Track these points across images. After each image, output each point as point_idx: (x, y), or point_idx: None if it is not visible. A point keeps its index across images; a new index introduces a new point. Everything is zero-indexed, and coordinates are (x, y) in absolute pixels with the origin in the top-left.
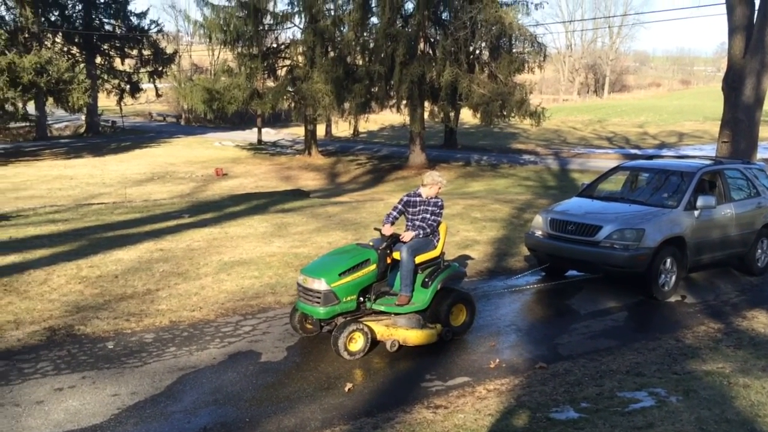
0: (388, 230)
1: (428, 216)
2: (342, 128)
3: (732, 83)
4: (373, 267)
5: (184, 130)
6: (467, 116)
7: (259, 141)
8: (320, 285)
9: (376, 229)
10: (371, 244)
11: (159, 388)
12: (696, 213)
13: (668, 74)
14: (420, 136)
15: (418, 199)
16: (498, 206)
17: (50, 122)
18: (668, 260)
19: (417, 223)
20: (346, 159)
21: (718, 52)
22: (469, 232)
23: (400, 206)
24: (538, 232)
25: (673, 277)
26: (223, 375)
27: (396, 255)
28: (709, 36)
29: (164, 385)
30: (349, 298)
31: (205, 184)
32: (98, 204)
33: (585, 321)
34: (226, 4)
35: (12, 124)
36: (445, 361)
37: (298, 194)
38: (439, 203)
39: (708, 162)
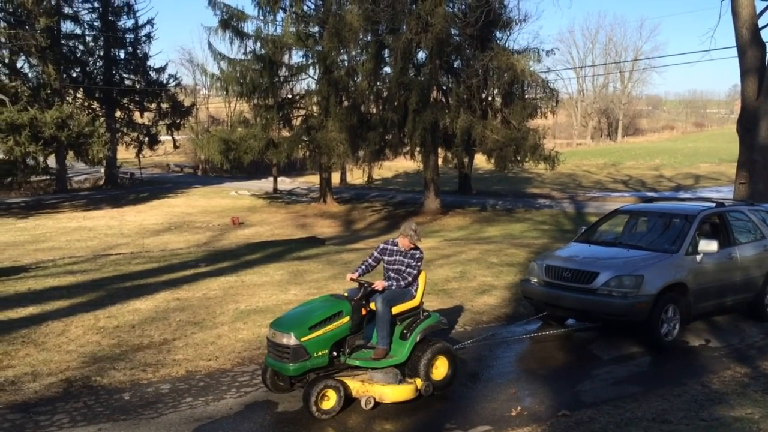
0: (349, 276)
1: (403, 268)
2: (356, 176)
3: (747, 125)
4: (346, 319)
5: (201, 180)
6: (481, 162)
7: (275, 190)
8: (289, 340)
9: (353, 280)
10: (346, 294)
11: None
12: (698, 257)
13: (681, 117)
14: (434, 182)
15: (394, 248)
16: (515, 251)
17: (70, 175)
18: (670, 308)
19: (392, 274)
20: (361, 206)
21: (730, 94)
22: (486, 277)
23: (376, 254)
24: (534, 280)
25: (676, 326)
26: (239, 426)
27: (373, 306)
28: (721, 79)
29: None
30: (320, 353)
31: (221, 233)
32: (116, 255)
33: (608, 367)
34: (243, 57)
35: (33, 178)
36: (465, 408)
37: (314, 242)
38: (417, 255)
39: (710, 204)
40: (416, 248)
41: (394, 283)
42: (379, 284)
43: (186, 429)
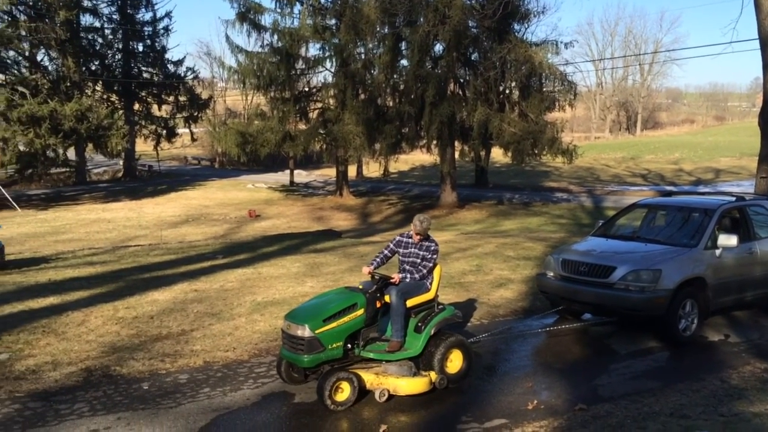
0: (366, 270)
1: (419, 261)
2: (373, 169)
3: None
4: (360, 312)
5: (218, 173)
6: (498, 155)
7: (292, 182)
8: (304, 331)
9: (371, 273)
10: (360, 287)
11: (193, 430)
12: (717, 252)
13: (702, 110)
14: (450, 175)
15: (409, 240)
16: (531, 244)
17: (89, 167)
18: (688, 303)
19: (407, 267)
20: (378, 199)
21: (752, 87)
22: (502, 270)
23: (392, 245)
24: (550, 274)
25: (695, 321)
26: (256, 416)
27: (387, 298)
28: (742, 71)
29: (198, 426)
30: (334, 345)
31: (238, 225)
32: (135, 246)
33: (625, 361)
34: (260, 50)
35: (53, 170)
36: (482, 402)
37: (330, 234)
38: (432, 248)
39: (730, 198)
40: (430, 240)
41: (408, 276)
42: (398, 277)
43: (204, 419)
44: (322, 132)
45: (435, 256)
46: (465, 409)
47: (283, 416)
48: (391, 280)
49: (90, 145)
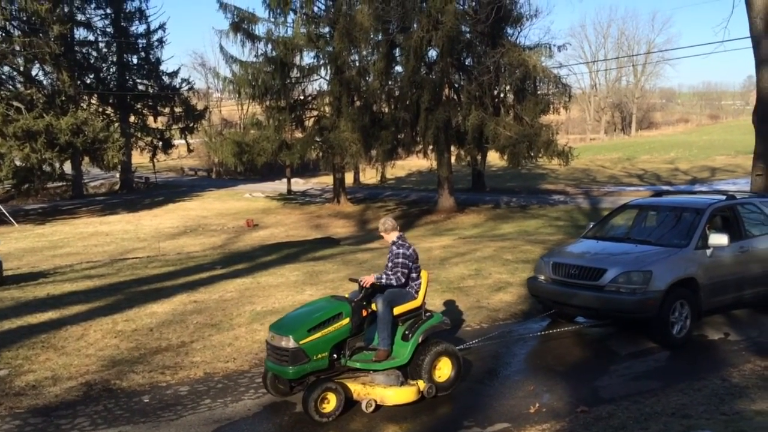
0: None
1: (390, 265)
2: (370, 175)
3: (763, 116)
4: (346, 321)
5: (215, 183)
6: (494, 158)
7: (289, 191)
8: (288, 342)
9: (351, 279)
10: (347, 296)
11: None
12: (708, 252)
13: (696, 110)
14: (448, 180)
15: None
16: (530, 247)
17: (86, 180)
18: (680, 304)
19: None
20: (375, 206)
21: (746, 85)
22: (501, 274)
23: None
24: (542, 277)
25: (687, 322)
26: (258, 427)
27: (374, 307)
28: (735, 70)
29: None
30: (320, 356)
31: (236, 235)
32: (133, 259)
33: (626, 362)
34: (254, 60)
35: (49, 184)
36: (483, 406)
37: (329, 242)
38: (394, 251)
39: (720, 197)
40: (397, 245)
41: (384, 277)
42: (367, 279)
43: (205, 430)
44: (318, 140)
45: (399, 259)
46: (467, 414)
47: (285, 426)
48: (362, 283)
49: (86, 159)
